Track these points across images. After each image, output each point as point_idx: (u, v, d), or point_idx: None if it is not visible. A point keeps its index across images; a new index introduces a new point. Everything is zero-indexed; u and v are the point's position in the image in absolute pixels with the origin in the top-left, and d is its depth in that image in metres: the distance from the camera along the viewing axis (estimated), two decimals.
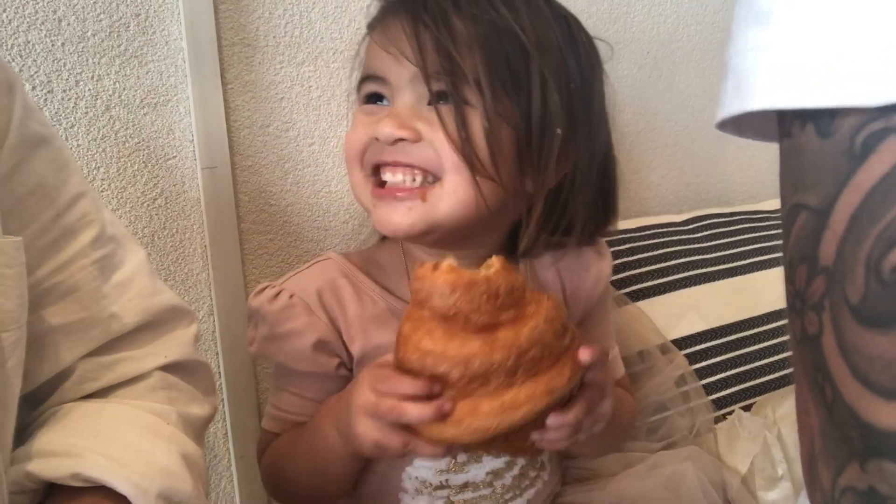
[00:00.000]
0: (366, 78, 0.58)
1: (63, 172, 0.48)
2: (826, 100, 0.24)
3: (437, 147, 0.53)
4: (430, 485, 0.62)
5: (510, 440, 0.48)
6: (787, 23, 0.25)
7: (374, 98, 0.58)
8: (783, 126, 0.28)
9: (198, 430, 0.54)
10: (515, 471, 0.62)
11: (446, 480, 0.62)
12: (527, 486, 0.64)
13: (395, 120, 0.53)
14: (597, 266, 0.66)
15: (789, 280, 0.28)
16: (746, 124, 0.30)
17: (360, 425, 0.49)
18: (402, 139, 0.53)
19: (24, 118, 0.45)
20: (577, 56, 0.58)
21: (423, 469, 0.62)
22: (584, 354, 0.47)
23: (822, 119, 0.25)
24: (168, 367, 0.53)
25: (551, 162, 0.56)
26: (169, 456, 0.47)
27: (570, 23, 0.58)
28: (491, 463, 0.61)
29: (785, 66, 0.25)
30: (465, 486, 0.62)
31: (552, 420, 0.47)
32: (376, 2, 0.60)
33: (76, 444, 0.45)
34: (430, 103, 0.54)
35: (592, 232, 0.63)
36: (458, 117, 0.53)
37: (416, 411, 0.45)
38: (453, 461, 0.61)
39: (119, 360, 0.50)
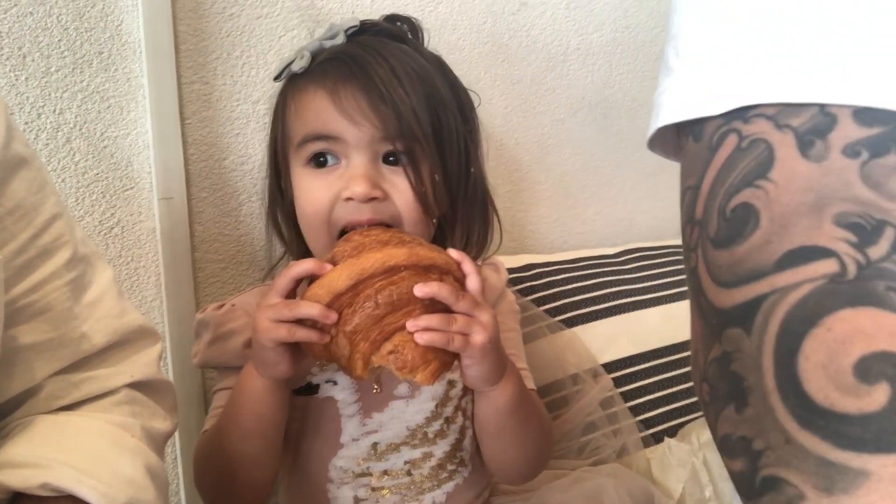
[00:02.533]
0: (315, 137, 0.64)
1: (41, 193, 0.49)
2: (693, 113, 0.39)
3: (402, 202, 0.64)
4: (353, 473, 0.67)
5: (385, 324, 0.54)
6: (678, 75, 0.40)
7: (320, 156, 0.65)
8: (681, 142, 0.43)
9: (159, 444, 0.56)
10: (433, 462, 0.68)
11: (368, 468, 0.67)
12: (445, 479, 0.69)
13: (366, 181, 0.62)
14: (494, 278, 0.76)
15: (683, 238, 0.41)
16: (667, 145, 0.44)
17: (260, 322, 0.56)
18: (374, 198, 0.62)
19: (8, 140, 0.46)
20: (469, 103, 0.71)
21: (346, 459, 0.67)
22: (453, 251, 0.58)
23: (695, 129, 0.40)
24: (134, 385, 0.54)
25: (465, 188, 0.69)
26: (133, 467, 0.48)
27: (456, 79, 0.70)
28: (409, 453, 0.68)
29: (675, 101, 0.40)
30: (384, 474, 0.67)
31: (417, 288, 0.53)
32: (301, 60, 0.67)
33: (44, 455, 0.46)
34: (383, 160, 0.64)
35: (478, 251, 0.73)
36: (416, 175, 0.63)
37: (306, 265, 0.56)
38: (373, 451, 0.67)
39: (87, 379, 0.51)
